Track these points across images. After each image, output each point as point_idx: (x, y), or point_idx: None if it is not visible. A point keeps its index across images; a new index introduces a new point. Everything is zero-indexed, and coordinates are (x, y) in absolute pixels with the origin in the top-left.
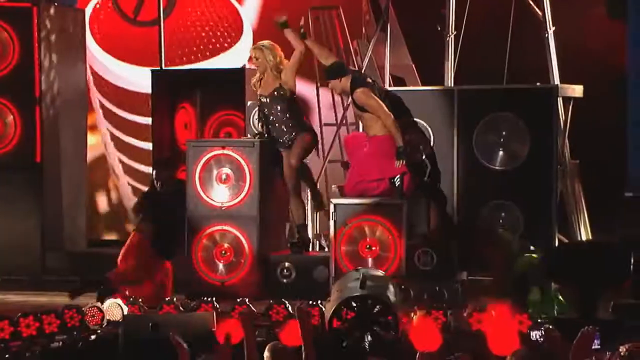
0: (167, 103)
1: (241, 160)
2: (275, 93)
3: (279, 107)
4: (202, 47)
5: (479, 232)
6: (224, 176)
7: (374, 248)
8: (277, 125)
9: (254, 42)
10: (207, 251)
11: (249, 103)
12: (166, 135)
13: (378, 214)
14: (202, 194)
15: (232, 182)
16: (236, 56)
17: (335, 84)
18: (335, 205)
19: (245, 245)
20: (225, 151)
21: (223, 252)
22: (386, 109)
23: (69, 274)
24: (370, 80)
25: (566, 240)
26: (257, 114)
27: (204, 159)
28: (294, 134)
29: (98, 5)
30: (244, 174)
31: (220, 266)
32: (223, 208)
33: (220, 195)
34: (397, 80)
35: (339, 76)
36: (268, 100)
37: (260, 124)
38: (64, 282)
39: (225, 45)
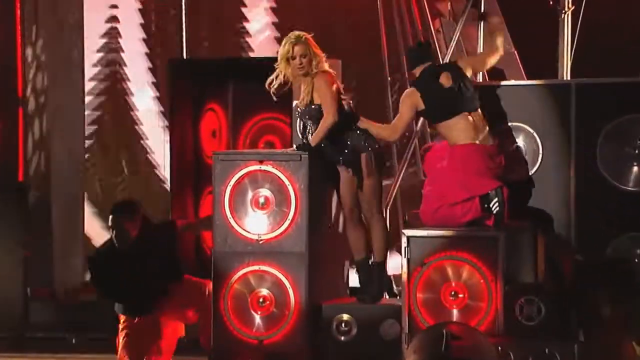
0: (190, 103)
1: (284, 178)
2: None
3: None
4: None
5: (605, 275)
6: (262, 200)
7: (460, 295)
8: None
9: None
10: (239, 299)
11: (294, 103)
12: (188, 145)
13: (466, 249)
14: (233, 223)
15: (272, 208)
16: None
17: None
18: (408, 238)
19: (290, 292)
20: (264, 167)
21: (261, 300)
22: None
23: (59, 330)
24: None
25: None
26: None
27: (236, 176)
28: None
29: None
30: (288, 197)
31: (257, 319)
32: (260, 242)
33: (256, 224)
34: (494, 72)
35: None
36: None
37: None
38: (53, 341)
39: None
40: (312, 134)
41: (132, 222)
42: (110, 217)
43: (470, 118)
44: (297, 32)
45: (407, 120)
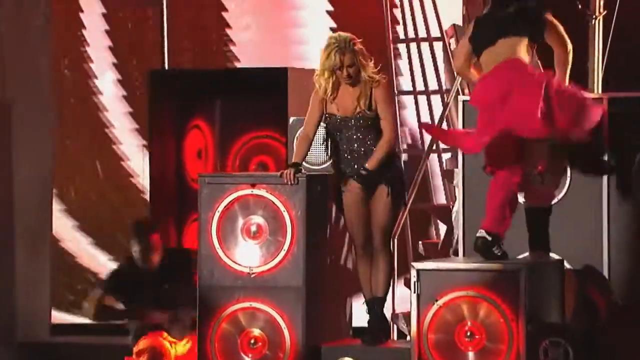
0: (173, 119)
1: (279, 204)
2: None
3: (364, 132)
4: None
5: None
6: (253, 228)
7: (477, 336)
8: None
9: None
10: (228, 340)
11: (291, 120)
12: (170, 167)
13: (483, 284)
14: (221, 254)
15: (265, 237)
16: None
17: None
18: (418, 271)
19: (286, 332)
20: (257, 191)
21: (252, 341)
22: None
23: None
24: None
25: None
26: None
27: (225, 202)
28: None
29: None
30: (283, 225)
31: None
32: (252, 275)
33: (248, 256)
34: None
35: None
36: (359, 119)
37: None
38: None
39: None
40: (348, 145)
41: (158, 240)
42: (138, 232)
43: None
44: (342, 35)
45: None
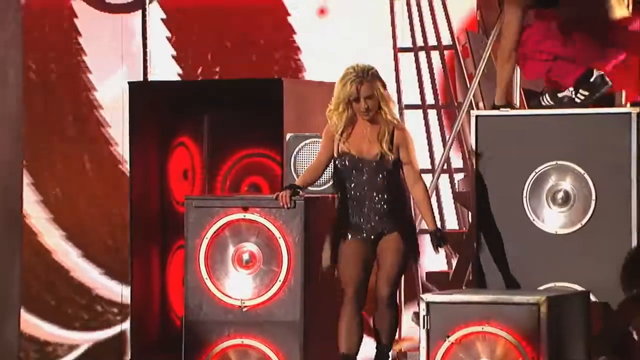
0: (155, 136)
1: (275, 230)
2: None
3: (380, 176)
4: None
5: None
6: (246, 256)
7: None
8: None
9: None
10: None
11: (288, 136)
12: (153, 189)
13: (500, 319)
14: (209, 285)
15: (259, 267)
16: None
17: None
18: (428, 304)
19: None
20: (249, 215)
21: None
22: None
23: None
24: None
25: None
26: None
27: (214, 227)
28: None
29: None
30: (278, 253)
31: None
32: (244, 309)
33: (239, 287)
34: (532, 97)
35: None
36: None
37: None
38: None
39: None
40: (359, 190)
41: None
42: None
43: None
44: (362, 65)
45: None
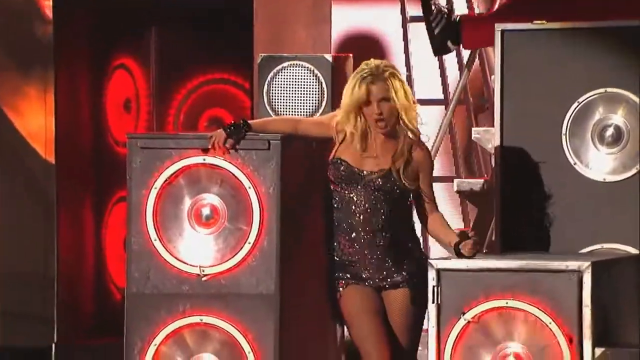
0: (86, 56)
1: (243, 178)
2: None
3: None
4: None
5: None
6: (206, 211)
7: None
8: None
9: None
10: None
11: (260, 57)
12: (84, 123)
13: (530, 290)
14: (159, 247)
15: (223, 225)
16: None
17: None
18: (438, 271)
19: (250, 358)
20: (210, 159)
21: None
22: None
23: None
24: None
25: None
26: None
27: (165, 174)
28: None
29: None
30: (248, 208)
31: None
32: (204, 279)
33: (198, 251)
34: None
35: None
36: (379, 181)
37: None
38: None
39: None
40: (356, 212)
41: None
42: None
43: None
44: (376, 61)
45: None
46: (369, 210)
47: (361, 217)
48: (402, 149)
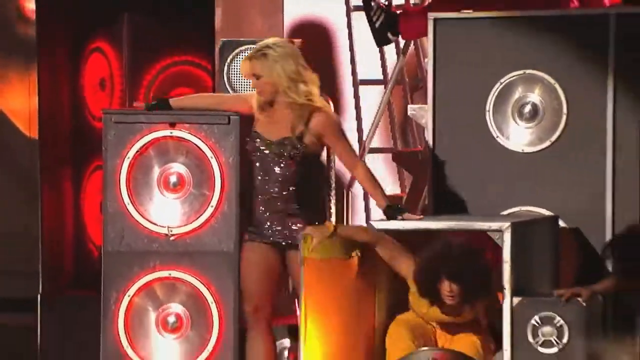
0: (66, 40)
1: (206, 149)
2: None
3: (289, 170)
4: None
5: None
6: (173, 178)
7: None
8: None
9: None
10: (140, 319)
11: (221, 42)
12: (63, 100)
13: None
14: (132, 211)
15: (188, 190)
16: None
17: None
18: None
19: (214, 308)
20: (177, 132)
21: (172, 321)
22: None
23: None
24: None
25: None
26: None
27: (137, 146)
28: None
29: None
30: (210, 175)
31: (166, 346)
32: (172, 238)
33: (166, 213)
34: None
35: None
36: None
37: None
38: None
39: None
40: (264, 178)
41: None
42: None
43: None
44: (260, 43)
45: None
46: (277, 176)
47: (269, 178)
48: (300, 116)
